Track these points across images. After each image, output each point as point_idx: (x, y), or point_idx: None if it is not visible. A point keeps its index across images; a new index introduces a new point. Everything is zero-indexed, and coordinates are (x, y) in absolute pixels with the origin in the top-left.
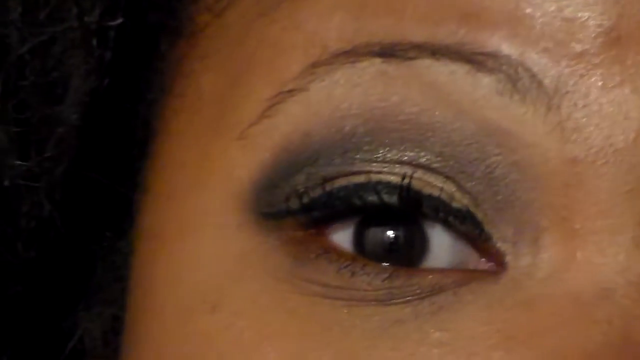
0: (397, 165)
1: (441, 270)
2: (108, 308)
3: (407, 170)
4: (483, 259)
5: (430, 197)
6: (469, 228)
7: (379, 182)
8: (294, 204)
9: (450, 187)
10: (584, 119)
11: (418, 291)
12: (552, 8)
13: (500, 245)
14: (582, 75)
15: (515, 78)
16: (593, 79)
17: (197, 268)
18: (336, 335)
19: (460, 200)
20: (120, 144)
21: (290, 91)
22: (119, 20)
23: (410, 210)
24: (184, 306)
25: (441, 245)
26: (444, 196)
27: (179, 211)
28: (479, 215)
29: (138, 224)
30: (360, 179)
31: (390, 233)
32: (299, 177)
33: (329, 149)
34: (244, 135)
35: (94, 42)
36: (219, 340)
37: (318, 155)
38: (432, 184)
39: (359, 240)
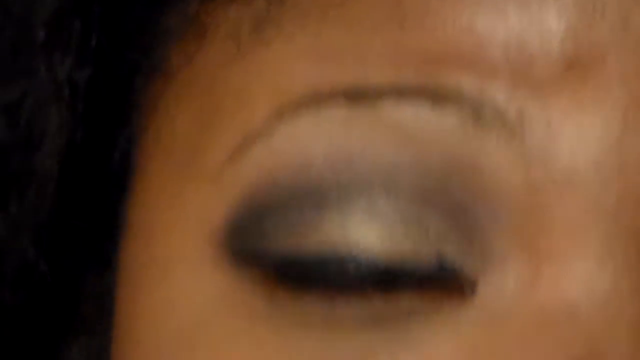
0: (368, 228)
1: (415, 294)
2: (94, 338)
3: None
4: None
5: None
6: (439, 276)
7: (348, 260)
8: (264, 261)
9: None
10: (546, 147)
11: (394, 316)
12: (512, 40)
13: (470, 275)
14: (543, 104)
15: (479, 111)
16: (554, 107)
17: (175, 311)
18: None
19: (428, 261)
20: (100, 182)
21: (255, 137)
22: (89, 72)
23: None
24: (163, 349)
25: None
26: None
27: (156, 252)
28: (449, 260)
29: (121, 259)
30: (329, 252)
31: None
32: (267, 224)
33: (298, 198)
34: (215, 179)
35: (66, 95)
36: None
37: (287, 205)
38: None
39: None
